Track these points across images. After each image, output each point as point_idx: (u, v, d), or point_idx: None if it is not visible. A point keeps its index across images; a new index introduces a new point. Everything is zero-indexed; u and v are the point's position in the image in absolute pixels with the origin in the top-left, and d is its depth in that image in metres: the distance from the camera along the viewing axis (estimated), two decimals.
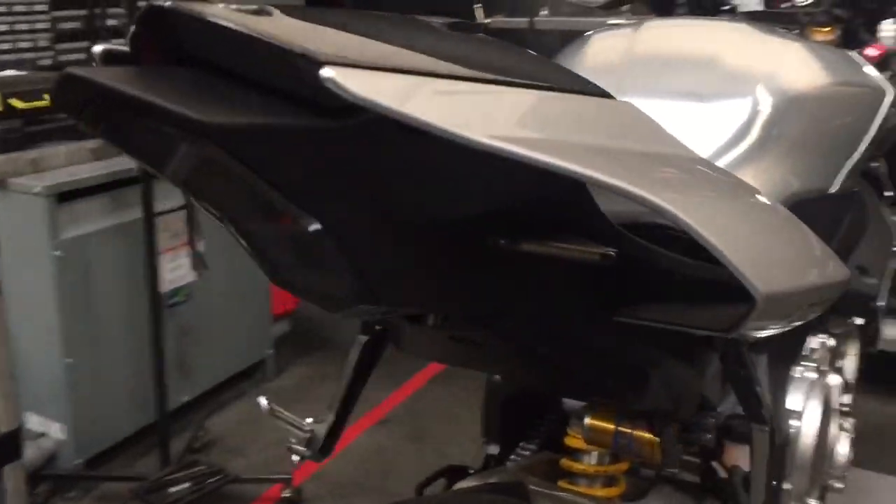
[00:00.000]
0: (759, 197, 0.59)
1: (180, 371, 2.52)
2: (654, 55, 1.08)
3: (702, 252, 0.65)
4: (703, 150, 0.88)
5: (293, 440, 0.95)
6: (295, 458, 0.96)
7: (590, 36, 1.22)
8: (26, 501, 1.85)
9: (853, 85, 1.13)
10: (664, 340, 0.74)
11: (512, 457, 1.17)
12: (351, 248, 0.56)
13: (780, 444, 0.86)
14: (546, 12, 3.32)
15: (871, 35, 1.49)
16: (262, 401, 0.95)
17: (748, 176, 0.84)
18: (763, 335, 0.66)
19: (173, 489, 2.12)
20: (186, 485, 2.14)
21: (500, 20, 3.35)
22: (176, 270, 2.46)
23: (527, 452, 1.19)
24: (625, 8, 2.01)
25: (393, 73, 0.49)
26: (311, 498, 2.31)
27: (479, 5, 3.25)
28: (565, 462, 1.07)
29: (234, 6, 0.52)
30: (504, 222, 0.59)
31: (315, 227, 0.54)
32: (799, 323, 0.59)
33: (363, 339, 1.00)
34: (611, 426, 0.96)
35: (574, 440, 1.05)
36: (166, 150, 0.55)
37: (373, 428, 2.70)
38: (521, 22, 3.31)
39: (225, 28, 0.51)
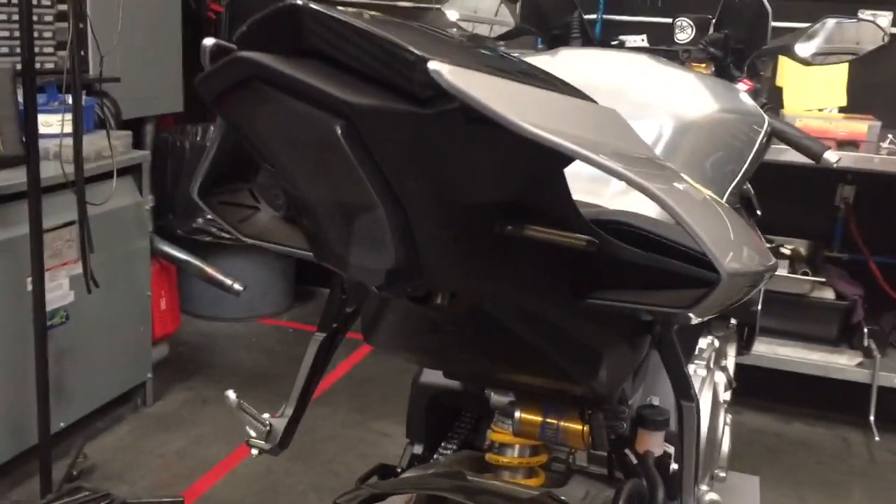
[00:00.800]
0: (712, 194, 0.69)
1: (57, 395, 2.42)
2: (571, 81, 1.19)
3: (651, 248, 0.75)
4: None
5: (253, 434, 0.98)
6: (254, 451, 0.98)
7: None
8: None
9: (738, 113, 1.27)
10: (613, 329, 0.82)
11: (435, 456, 1.24)
12: (411, 225, 0.62)
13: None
14: None
15: (740, 71, 1.67)
16: (231, 394, 0.97)
17: None
18: (703, 318, 0.76)
19: None
20: None
21: None
22: (54, 291, 2.38)
23: (448, 451, 1.26)
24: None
25: (476, 71, 0.58)
26: None
27: None
28: (491, 456, 1.14)
29: (352, 10, 0.59)
30: (515, 210, 0.66)
31: (389, 204, 0.60)
32: (733, 305, 0.69)
33: (320, 336, 1.04)
34: (538, 418, 1.04)
35: (499, 435, 1.13)
36: (289, 130, 0.60)
37: None
38: None
39: (352, 26, 0.59)
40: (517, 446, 1.13)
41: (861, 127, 2.94)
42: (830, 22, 1.62)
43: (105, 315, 2.60)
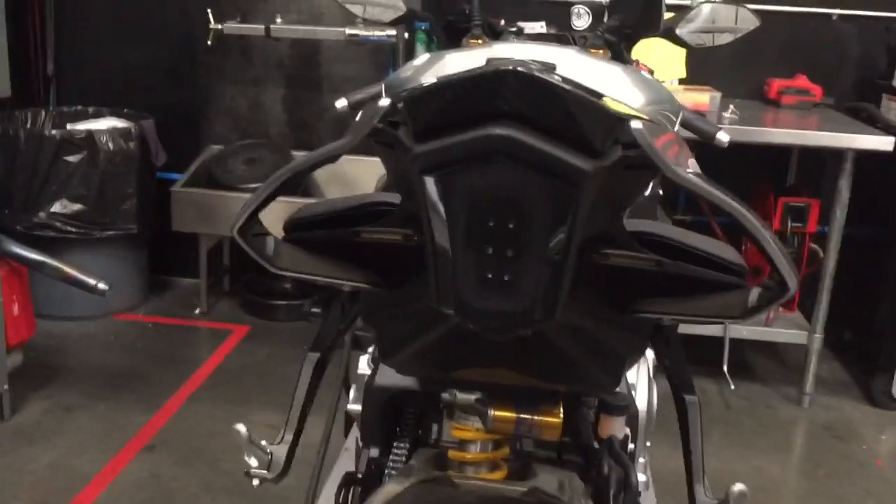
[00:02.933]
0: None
1: None
2: None
3: (674, 256, 0.78)
4: None
5: (254, 465, 0.92)
6: (255, 482, 0.94)
7: (443, 55, 1.30)
8: None
9: (661, 102, 1.33)
10: (634, 335, 0.85)
11: (391, 457, 1.23)
12: (552, 272, 0.61)
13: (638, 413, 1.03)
14: (280, 20, 3.33)
15: (630, 56, 1.73)
16: (241, 428, 0.91)
17: None
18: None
19: None
20: None
21: (232, 26, 3.30)
22: None
23: (401, 451, 1.25)
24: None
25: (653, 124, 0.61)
26: None
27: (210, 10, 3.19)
28: (455, 454, 1.14)
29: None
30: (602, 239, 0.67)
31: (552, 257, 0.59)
32: None
33: (314, 356, 1.00)
34: (513, 414, 1.06)
35: (462, 432, 1.13)
36: (500, 194, 0.57)
37: (140, 455, 2.56)
38: (256, 29, 3.29)
39: (559, 88, 0.62)
40: (479, 442, 1.14)
41: (704, 98, 3.13)
42: (707, 7, 1.71)
43: None
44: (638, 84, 1.33)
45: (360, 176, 3.65)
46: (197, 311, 3.58)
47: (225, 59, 3.62)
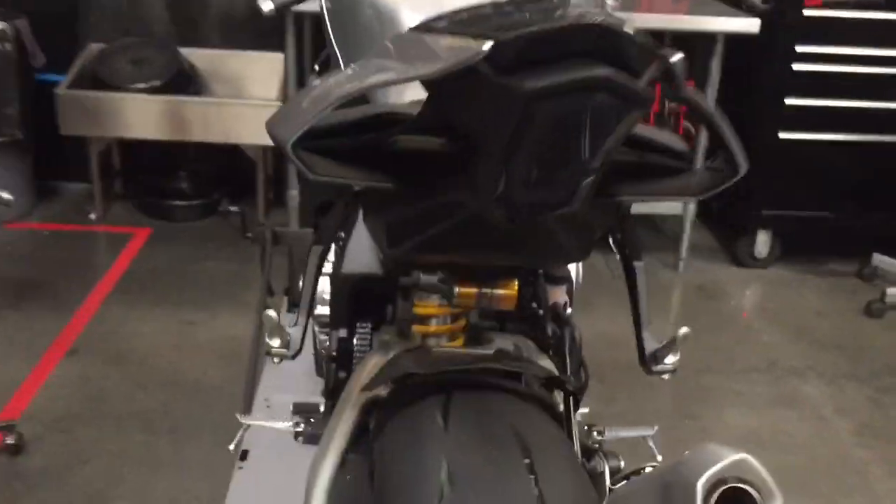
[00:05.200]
0: None
1: None
2: None
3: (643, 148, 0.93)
4: None
5: (275, 345, 1.04)
6: (275, 360, 1.05)
7: None
8: None
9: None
10: (604, 215, 1.00)
11: (356, 336, 1.37)
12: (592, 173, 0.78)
13: None
14: None
15: None
16: (272, 313, 1.01)
17: None
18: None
19: None
20: None
21: None
22: None
23: (364, 331, 1.39)
24: None
25: None
26: (34, 438, 2.22)
27: None
28: (419, 327, 1.29)
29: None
30: None
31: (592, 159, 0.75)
32: None
33: (318, 248, 1.10)
34: (474, 290, 1.21)
35: (425, 309, 1.28)
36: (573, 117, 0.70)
37: (65, 360, 2.60)
38: None
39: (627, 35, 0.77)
40: (441, 315, 1.29)
41: None
42: None
43: None
44: None
45: (249, 73, 3.64)
46: (92, 216, 3.54)
47: None
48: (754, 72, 3.33)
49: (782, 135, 3.20)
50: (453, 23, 0.82)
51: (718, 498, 0.85)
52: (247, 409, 2.05)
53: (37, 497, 2.06)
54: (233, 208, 3.54)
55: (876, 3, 3.05)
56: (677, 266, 3.42)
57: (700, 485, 0.85)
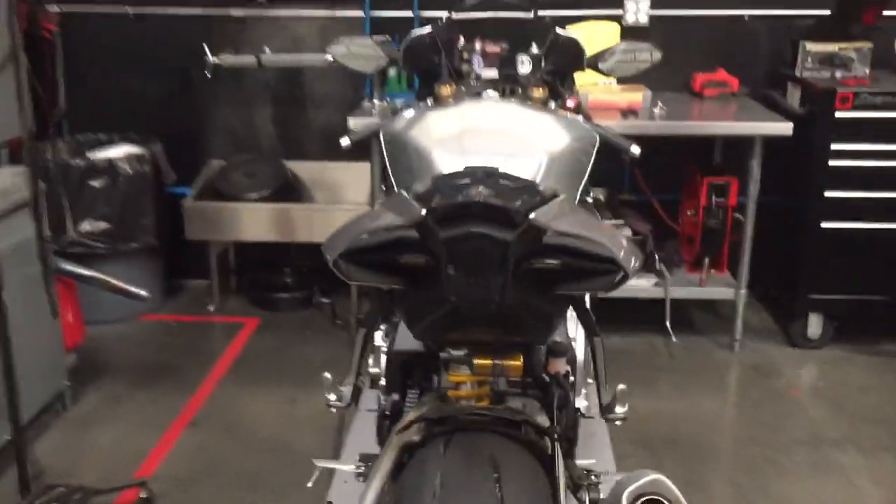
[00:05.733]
0: (609, 224, 1.24)
1: None
2: (475, 127, 1.75)
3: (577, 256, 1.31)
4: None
5: (332, 399, 1.43)
6: (333, 410, 1.45)
7: (425, 113, 1.83)
8: None
9: (581, 140, 1.85)
10: (557, 304, 1.37)
11: (407, 399, 1.76)
12: (503, 277, 1.17)
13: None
14: (269, 50, 3.81)
15: (563, 88, 2.25)
16: (328, 375, 1.41)
17: None
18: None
19: None
20: None
21: (229, 58, 3.78)
22: None
23: (414, 397, 1.78)
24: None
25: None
26: (161, 494, 2.67)
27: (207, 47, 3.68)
28: (452, 392, 1.67)
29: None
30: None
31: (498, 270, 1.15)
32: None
33: (363, 331, 1.52)
34: (490, 361, 1.59)
35: (457, 377, 1.66)
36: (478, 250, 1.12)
37: (187, 430, 3.08)
38: (248, 59, 3.77)
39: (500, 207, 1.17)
40: (469, 383, 1.67)
41: (637, 96, 3.66)
42: (621, 44, 2.25)
43: (24, 333, 2.86)
44: (564, 127, 1.86)
45: (343, 181, 4.19)
46: (211, 308, 4.09)
47: (219, 84, 4.10)
48: (796, 168, 3.62)
49: (824, 224, 3.47)
50: (423, 190, 1.24)
51: None
52: (335, 457, 2.45)
53: None
54: (324, 300, 4.03)
55: None
56: (732, 347, 3.68)
57: (625, 496, 1.20)
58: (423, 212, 1.14)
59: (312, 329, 3.90)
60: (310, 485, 1.71)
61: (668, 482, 1.19)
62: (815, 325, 3.66)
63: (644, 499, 1.18)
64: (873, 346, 3.69)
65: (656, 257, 3.76)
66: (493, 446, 1.33)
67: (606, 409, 1.53)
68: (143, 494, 2.60)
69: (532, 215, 1.12)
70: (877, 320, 3.67)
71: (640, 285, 3.70)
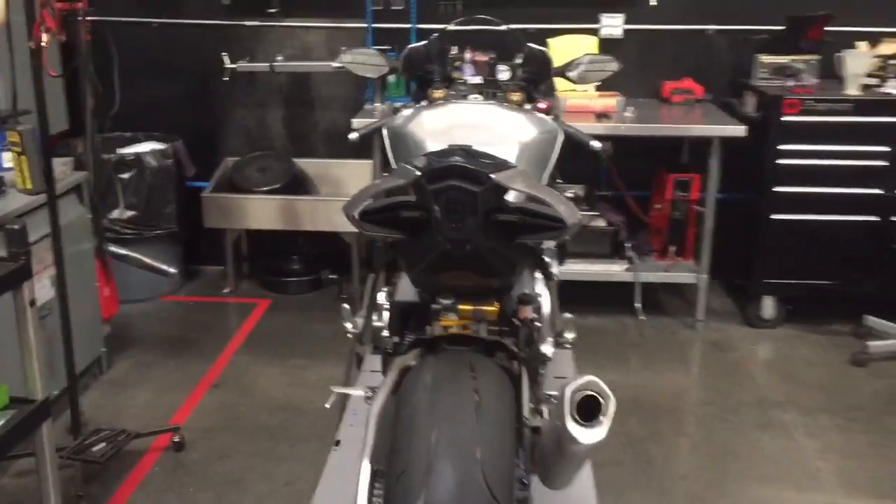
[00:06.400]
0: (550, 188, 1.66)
1: (49, 369, 3.10)
2: (461, 122, 2.18)
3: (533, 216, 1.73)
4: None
5: (349, 327, 1.85)
6: (349, 335, 1.86)
7: (420, 112, 2.26)
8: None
9: (546, 132, 2.27)
10: (522, 253, 1.79)
11: (405, 342, 2.18)
12: (477, 224, 1.59)
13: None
14: (281, 58, 4.24)
15: (538, 93, 2.68)
16: (346, 306, 1.83)
17: None
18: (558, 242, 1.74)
19: (95, 448, 2.79)
20: (103, 444, 2.81)
21: (244, 65, 4.21)
22: (41, 290, 3.05)
23: (410, 339, 2.20)
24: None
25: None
26: (190, 442, 3.09)
27: (226, 54, 4.10)
28: (441, 333, 2.09)
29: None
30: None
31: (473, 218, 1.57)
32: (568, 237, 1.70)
33: (373, 275, 1.94)
34: (471, 307, 2.01)
35: (446, 322, 2.08)
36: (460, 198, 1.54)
37: (209, 392, 3.49)
38: (262, 66, 4.20)
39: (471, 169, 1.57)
40: (456, 327, 2.09)
41: (612, 102, 4.09)
42: (587, 56, 2.68)
43: (70, 301, 3.27)
44: (533, 123, 2.29)
45: (345, 176, 4.61)
46: (226, 290, 4.51)
47: (235, 87, 4.53)
48: (750, 167, 4.05)
49: (773, 216, 3.91)
50: (416, 162, 1.65)
51: (580, 401, 1.61)
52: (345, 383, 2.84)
53: (194, 479, 2.91)
54: (332, 276, 4.46)
55: (844, 111, 3.77)
56: (695, 326, 4.10)
57: (567, 391, 1.61)
58: (418, 173, 1.56)
59: (320, 309, 4.32)
60: (327, 405, 2.12)
61: (601, 383, 1.60)
62: (769, 306, 4.09)
63: (582, 394, 1.58)
64: (822, 325, 4.12)
65: (627, 246, 4.20)
66: (472, 359, 1.75)
67: (558, 335, 1.95)
68: (176, 438, 3.02)
69: (493, 175, 1.54)
70: (826, 302, 4.10)
71: (613, 270, 4.13)
